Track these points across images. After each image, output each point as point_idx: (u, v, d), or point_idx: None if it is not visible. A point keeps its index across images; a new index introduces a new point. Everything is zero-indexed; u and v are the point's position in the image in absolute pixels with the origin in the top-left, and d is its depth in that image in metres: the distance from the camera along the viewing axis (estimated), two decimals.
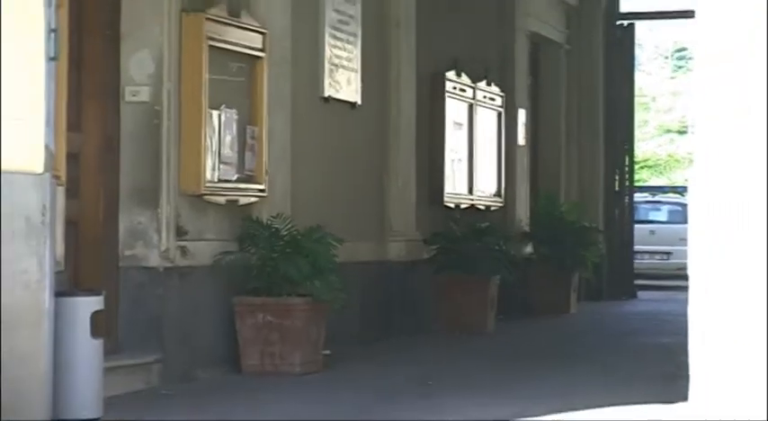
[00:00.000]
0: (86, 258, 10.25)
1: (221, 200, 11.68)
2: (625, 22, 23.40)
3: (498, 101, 18.92)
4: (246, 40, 12.02)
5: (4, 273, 6.98)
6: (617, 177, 23.16)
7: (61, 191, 8.99)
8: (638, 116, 29.56)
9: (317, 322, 11.62)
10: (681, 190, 29.60)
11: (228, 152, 11.88)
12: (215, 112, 11.63)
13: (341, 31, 14.20)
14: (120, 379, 9.74)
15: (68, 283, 9.22)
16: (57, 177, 8.04)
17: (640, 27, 25.94)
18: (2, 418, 7.09)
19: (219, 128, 11.73)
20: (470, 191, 18.18)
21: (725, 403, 6.05)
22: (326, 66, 13.89)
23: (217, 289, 11.33)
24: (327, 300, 11.57)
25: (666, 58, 54.40)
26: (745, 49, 6.20)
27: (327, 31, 13.92)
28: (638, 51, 27.63)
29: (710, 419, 6.07)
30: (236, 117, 11.98)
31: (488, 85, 18.49)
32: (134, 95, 10.95)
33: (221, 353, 11.38)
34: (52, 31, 7.57)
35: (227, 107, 11.85)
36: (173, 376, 10.47)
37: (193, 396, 10.17)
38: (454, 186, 17.66)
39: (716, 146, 6.26)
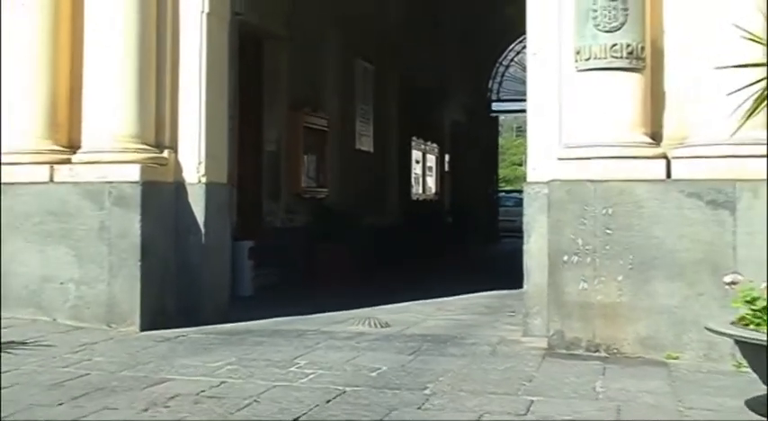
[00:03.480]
0: (246, 222, 10.21)
1: (308, 196, 11.64)
2: (494, 114, 23.39)
3: (437, 151, 18.86)
4: (320, 122, 11.95)
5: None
6: (491, 186, 23.11)
7: (234, 192, 8.97)
8: (500, 157, 29.33)
9: (353, 255, 11.52)
10: (520, 191, 29.44)
11: (312, 173, 11.85)
12: (305, 156, 11.59)
13: (364, 117, 14.16)
14: (261, 279, 9.69)
15: (238, 234, 9.18)
16: (232, 185, 8.02)
17: (502, 116, 25.85)
18: (211, 301, 7.02)
19: (307, 163, 11.70)
20: (423, 191, 18.13)
21: (534, 289, 6.09)
22: (357, 134, 13.85)
23: (306, 238, 11.25)
24: (357, 245, 11.51)
25: (513, 129, 54.61)
26: (547, 127, 6.19)
27: (358, 118, 13.89)
28: (500, 127, 27.39)
29: (530, 290, 6.12)
30: (314, 158, 11.94)
31: (432, 143, 18.42)
32: (268, 147, 10.91)
33: (307, 269, 11.29)
34: (231, 117, 7.53)
35: (311, 154, 11.81)
36: (285, 279, 10.41)
37: (296, 287, 10.08)
38: (416, 189, 17.62)
39: (536, 171, 6.27)
